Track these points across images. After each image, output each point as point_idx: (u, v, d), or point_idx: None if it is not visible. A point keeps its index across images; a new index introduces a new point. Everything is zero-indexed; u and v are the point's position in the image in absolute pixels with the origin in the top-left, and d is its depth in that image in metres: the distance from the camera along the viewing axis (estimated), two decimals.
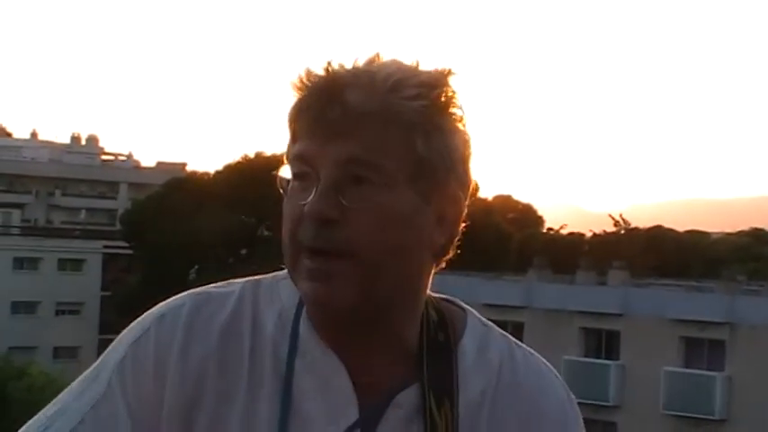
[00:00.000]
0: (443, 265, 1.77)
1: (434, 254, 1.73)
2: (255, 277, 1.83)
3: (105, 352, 1.79)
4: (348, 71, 1.71)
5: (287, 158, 1.75)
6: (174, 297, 1.80)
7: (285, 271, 1.80)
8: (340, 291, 1.66)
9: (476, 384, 1.77)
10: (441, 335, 1.78)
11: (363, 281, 1.67)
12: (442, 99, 1.71)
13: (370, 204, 1.67)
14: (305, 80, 1.71)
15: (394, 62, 1.72)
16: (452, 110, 1.72)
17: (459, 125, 1.72)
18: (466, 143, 1.73)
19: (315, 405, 1.72)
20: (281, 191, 1.75)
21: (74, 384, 1.78)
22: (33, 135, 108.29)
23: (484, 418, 1.75)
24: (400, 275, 1.71)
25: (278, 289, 1.80)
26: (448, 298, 1.83)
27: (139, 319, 1.80)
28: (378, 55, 1.73)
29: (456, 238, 1.75)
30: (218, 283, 1.83)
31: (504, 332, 1.85)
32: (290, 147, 1.74)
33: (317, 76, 1.71)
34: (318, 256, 1.66)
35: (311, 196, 1.66)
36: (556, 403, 1.81)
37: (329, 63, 1.71)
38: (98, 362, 1.79)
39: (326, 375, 1.73)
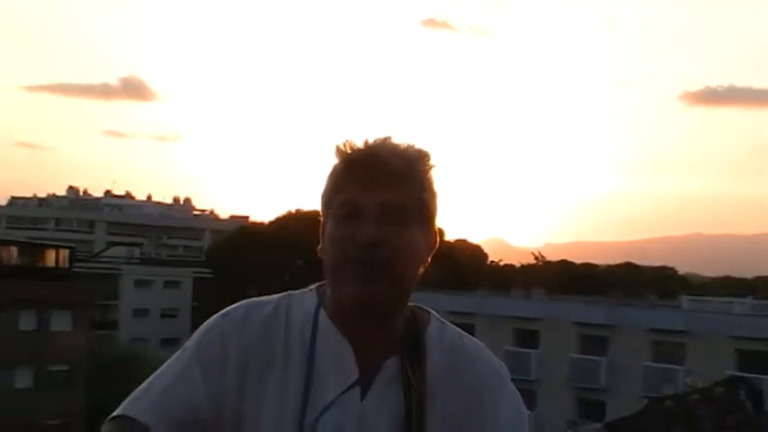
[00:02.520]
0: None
1: (423, 267, 1.75)
2: (288, 292, 1.82)
3: (189, 339, 1.81)
4: (385, 145, 1.71)
5: (328, 201, 1.73)
6: (236, 304, 1.82)
7: (309, 287, 1.82)
8: (380, 292, 1.67)
9: (437, 357, 1.75)
10: (413, 325, 1.77)
11: (394, 286, 1.69)
12: (433, 169, 1.74)
13: (401, 235, 1.68)
14: (350, 147, 1.71)
15: (407, 142, 1.73)
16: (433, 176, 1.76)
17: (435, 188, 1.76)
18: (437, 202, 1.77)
19: (329, 370, 1.71)
20: (324, 225, 1.73)
21: (169, 360, 1.79)
22: (148, 197, 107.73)
23: (443, 378, 1.74)
24: (410, 282, 1.72)
25: (304, 298, 1.79)
26: (418, 305, 1.82)
27: (210, 318, 1.81)
28: (390, 136, 1.73)
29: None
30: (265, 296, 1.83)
31: (454, 326, 1.84)
32: (331, 193, 1.72)
33: (360, 147, 1.71)
34: (366, 265, 1.65)
35: (362, 227, 1.66)
36: (494, 368, 1.80)
37: (367, 139, 1.71)
38: (184, 346, 1.80)
39: (337, 351, 1.72)
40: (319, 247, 1.73)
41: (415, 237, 1.70)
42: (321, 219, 1.75)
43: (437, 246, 1.77)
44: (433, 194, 1.74)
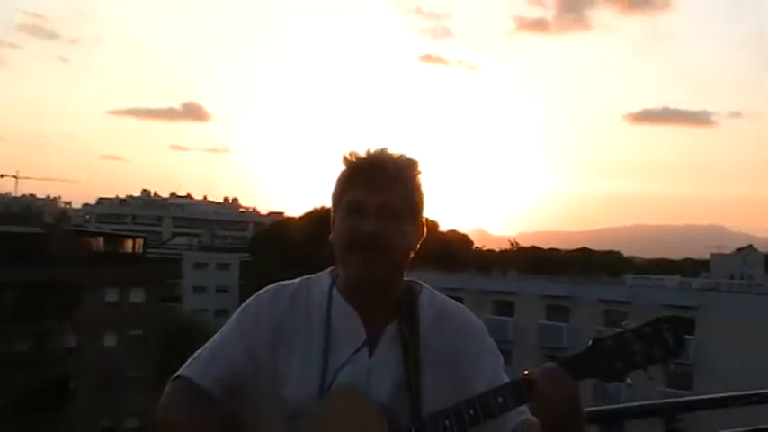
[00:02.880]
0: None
1: (413, 252, 1.74)
2: (308, 275, 1.81)
3: (233, 314, 1.80)
4: (382, 155, 1.69)
5: (337, 200, 1.71)
6: (268, 286, 1.80)
7: (324, 271, 1.80)
8: (380, 273, 1.66)
9: (428, 319, 1.73)
10: (408, 296, 1.75)
11: (391, 267, 1.68)
12: (421, 174, 1.73)
13: (395, 228, 1.67)
14: (354, 157, 1.70)
15: (400, 153, 1.71)
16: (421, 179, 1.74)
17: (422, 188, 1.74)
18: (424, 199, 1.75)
19: (343, 335, 1.70)
20: (333, 218, 1.71)
21: (218, 332, 1.78)
22: (204, 198, 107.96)
23: (434, 335, 1.72)
24: (404, 264, 1.72)
25: (321, 279, 1.78)
26: (413, 279, 1.80)
27: (249, 298, 1.80)
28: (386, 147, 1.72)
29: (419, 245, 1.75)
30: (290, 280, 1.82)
31: (443, 295, 1.81)
32: (339, 193, 1.71)
33: (362, 156, 1.69)
34: (369, 252, 1.64)
35: (365, 222, 1.65)
36: (474, 323, 1.78)
37: (368, 149, 1.70)
38: (229, 319, 1.79)
39: (348, 319, 1.71)
40: (331, 236, 1.72)
41: (407, 229, 1.69)
42: (332, 214, 1.74)
43: (425, 235, 1.75)
44: (420, 195, 1.72)
